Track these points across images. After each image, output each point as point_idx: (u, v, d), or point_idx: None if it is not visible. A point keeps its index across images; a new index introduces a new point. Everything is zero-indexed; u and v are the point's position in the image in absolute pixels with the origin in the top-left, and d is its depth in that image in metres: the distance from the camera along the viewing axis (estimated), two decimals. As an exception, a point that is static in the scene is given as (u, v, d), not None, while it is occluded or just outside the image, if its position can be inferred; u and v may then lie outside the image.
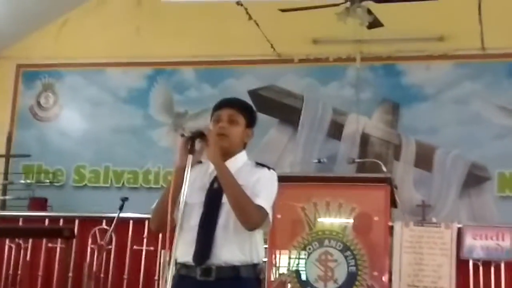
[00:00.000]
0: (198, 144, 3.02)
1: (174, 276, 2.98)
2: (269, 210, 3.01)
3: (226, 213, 2.99)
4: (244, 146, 3.19)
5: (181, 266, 3.01)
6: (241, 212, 2.94)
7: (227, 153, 3.10)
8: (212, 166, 3.11)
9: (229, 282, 2.94)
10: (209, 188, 3.06)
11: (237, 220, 2.96)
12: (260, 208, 2.97)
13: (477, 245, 5.52)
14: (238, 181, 2.99)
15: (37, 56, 9.43)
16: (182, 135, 3.03)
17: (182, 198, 2.91)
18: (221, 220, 2.99)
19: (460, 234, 5.55)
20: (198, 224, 3.00)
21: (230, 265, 2.95)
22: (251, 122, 3.20)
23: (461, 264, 5.52)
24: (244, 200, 2.95)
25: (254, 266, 3.03)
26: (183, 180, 2.93)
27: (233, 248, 2.98)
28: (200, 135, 3.02)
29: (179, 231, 2.97)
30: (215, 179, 3.06)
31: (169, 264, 2.87)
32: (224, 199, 3.00)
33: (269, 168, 3.14)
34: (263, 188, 3.03)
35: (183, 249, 2.98)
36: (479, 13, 7.44)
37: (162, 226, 2.94)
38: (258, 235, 3.09)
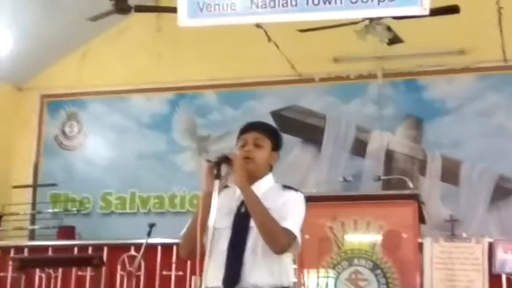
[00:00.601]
0: (224, 169, 3.04)
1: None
2: (297, 233, 3.00)
3: (255, 237, 2.99)
4: (270, 169, 3.21)
5: None
6: (268, 236, 2.95)
7: (254, 177, 3.12)
8: (238, 190, 3.12)
9: None
10: (236, 213, 3.08)
11: (265, 244, 2.96)
12: (288, 231, 2.97)
13: (509, 259, 5.46)
14: (265, 204, 3.00)
15: (60, 86, 9.55)
16: (208, 161, 3.06)
17: (211, 223, 2.92)
18: (250, 244, 2.99)
19: (491, 248, 5.50)
20: (227, 249, 3.00)
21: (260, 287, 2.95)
22: (277, 145, 3.22)
23: (494, 279, 5.47)
24: (271, 224, 2.96)
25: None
26: (210, 206, 2.94)
27: (262, 271, 2.98)
28: (225, 159, 3.04)
29: (208, 257, 2.98)
30: (242, 203, 3.08)
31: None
32: (252, 223, 3.01)
33: (296, 190, 3.15)
34: (290, 211, 3.04)
35: (213, 274, 2.98)
36: (500, 25, 7.40)
37: (192, 253, 2.96)
38: (287, 258, 3.09)
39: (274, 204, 3.03)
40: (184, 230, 3.14)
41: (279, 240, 2.96)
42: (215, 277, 2.98)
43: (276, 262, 3.02)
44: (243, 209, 3.06)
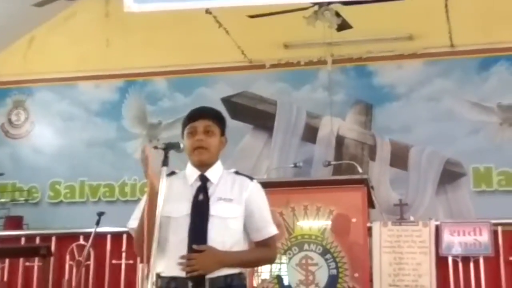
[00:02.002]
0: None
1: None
2: (275, 227, 3.15)
3: (218, 227, 2.99)
4: (218, 154, 3.20)
5: (170, 279, 2.97)
6: (267, 263, 3.44)
7: (207, 165, 3.11)
8: (192, 178, 3.10)
9: None
10: (193, 201, 3.04)
11: (232, 235, 3.00)
12: (275, 237, 3.14)
13: (455, 241, 5.55)
14: (225, 193, 3.04)
15: (6, 73, 9.34)
16: (155, 147, 3.02)
17: (158, 211, 2.88)
18: (212, 234, 2.97)
19: (438, 231, 5.57)
20: (187, 237, 2.97)
21: (222, 275, 2.95)
22: (224, 130, 3.21)
23: (441, 261, 5.54)
24: (261, 260, 3.22)
25: (241, 274, 3.06)
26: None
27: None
28: (173, 146, 3.01)
29: (162, 245, 2.95)
30: (199, 190, 3.06)
31: (147, 277, 2.84)
32: (213, 211, 3.01)
33: (251, 178, 3.17)
34: (266, 211, 3.14)
35: (172, 263, 2.96)
36: (446, 11, 7.51)
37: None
38: (246, 247, 3.10)
39: (233, 193, 3.06)
40: (132, 221, 3.09)
41: (273, 257, 3.24)
42: (175, 266, 2.94)
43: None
44: (200, 197, 3.04)
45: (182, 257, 2.91)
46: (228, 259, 2.97)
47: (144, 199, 2.99)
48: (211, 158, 3.11)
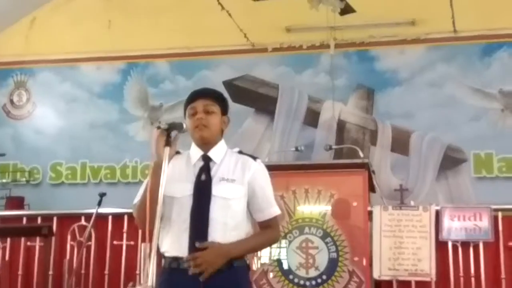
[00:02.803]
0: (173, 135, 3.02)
1: (163, 270, 2.98)
2: (278, 208, 3.19)
3: (220, 208, 3.00)
4: (222, 134, 3.20)
5: (171, 259, 3.01)
6: (270, 244, 3.47)
7: (209, 143, 3.13)
8: (195, 158, 3.12)
9: (223, 272, 2.95)
10: (196, 181, 3.06)
11: (234, 216, 3.02)
12: (278, 217, 3.16)
13: (456, 226, 5.57)
14: (227, 173, 3.05)
15: (8, 54, 9.32)
16: (158, 127, 3.03)
17: (161, 190, 2.89)
18: (215, 214, 2.99)
19: (438, 216, 5.59)
20: (189, 217, 2.99)
21: None
22: (225, 109, 3.23)
23: (441, 246, 5.57)
24: (265, 243, 3.24)
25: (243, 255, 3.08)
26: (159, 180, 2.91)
27: (230, 241, 3.00)
28: (176, 126, 3.01)
29: (166, 224, 2.97)
30: (202, 170, 3.07)
31: (149, 256, 2.86)
32: (215, 191, 3.02)
33: (254, 158, 3.17)
34: (268, 191, 3.15)
35: (174, 243, 2.99)
36: (450, -4, 7.48)
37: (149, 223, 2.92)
38: (249, 228, 3.12)
39: (235, 172, 3.07)
40: (137, 199, 3.11)
41: (277, 238, 3.27)
42: (177, 246, 2.98)
43: (244, 233, 3.07)
44: (203, 177, 3.06)
45: (188, 258, 2.91)
46: (232, 251, 2.98)
47: (147, 179, 3.00)
48: (212, 136, 3.12)
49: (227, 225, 2.99)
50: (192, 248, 2.96)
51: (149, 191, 2.87)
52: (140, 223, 3.02)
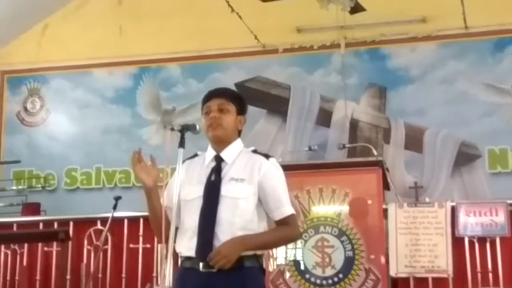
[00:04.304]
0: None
1: (178, 269, 3.03)
2: (292, 208, 3.15)
3: (228, 207, 3.00)
4: (239, 134, 3.21)
5: (185, 259, 3.05)
6: (289, 242, 3.55)
7: (223, 142, 3.13)
8: (208, 159, 3.13)
9: (232, 272, 2.94)
10: (206, 182, 3.07)
11: (242, 215, 3.00)
12: (293, 216, 3.12)
13: (472, 222, 5.55)
14: (237, 173, 3.05)
15: (21, 61, 9.39)
16: (172, 129, 3.05)
17: (175, 192, 2.92)
18: (222, 214, 2.99)
19: (454, 212, 5.58)
20: (198, 218, 3.01)
21: None
22: (242, 109, 3.21)
23: (457, 242, 5.56)
24: (282, 239, 3.19)
25: (257, 256, 3.06)
26: (154, 198, 3.06)
27: None
28: (189, 128, 3.03)
29: (181, 226, 3.00)
30: (212, 171, 3.09)
31: (166, 257, 2.88)
32: (223, 191, 3.02)
33: (267, 157, 3.15)
34: (282, 191, 3.11)
35: (186, 243, 3.02)
36: (460, -8, 7.46)
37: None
38: (263, 227, 3.10)
39: (246, 172, 3.06)
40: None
41: (295, 235, 3.24)
42: (188, 246, 3.00)
43: (253, 232, 3.04)
44: (213, 178, 3.07)
45: (209, 258, 2.92)
46: (247, 241, 2.96)
47: (168, 183, 3.03)
48: (226, 135, 3.12)
49: (234, 224, 2.98)
50: (199, 250, 2.98)
51: (149, 212, 3.08)
52: (156, 235, 3.13)
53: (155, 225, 3.05)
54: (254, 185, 3.06)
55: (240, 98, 3.24)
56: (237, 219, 2.99)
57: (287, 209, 3.11)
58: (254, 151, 3.19)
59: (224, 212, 2.99)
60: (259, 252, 3.08)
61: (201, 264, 2.96)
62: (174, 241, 2.93)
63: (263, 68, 8.82)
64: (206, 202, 3.02)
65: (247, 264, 3.00)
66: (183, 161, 3.07)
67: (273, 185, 3.09)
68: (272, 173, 3.11)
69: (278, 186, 3.11)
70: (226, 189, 3.03)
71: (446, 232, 5.51)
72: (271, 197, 3.07)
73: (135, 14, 8.99)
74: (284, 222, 3.11)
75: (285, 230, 3.12)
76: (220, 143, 3.13)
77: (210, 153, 3.16)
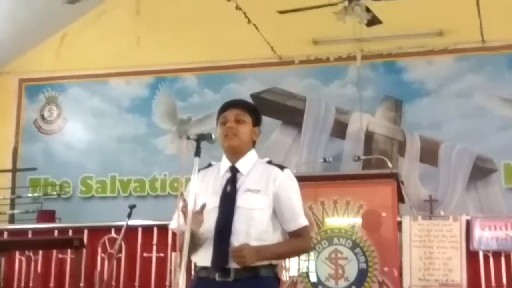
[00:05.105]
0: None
1: (193, 278, 3.02)
2: (306, 219, 3.14)
3: (244, 218, 3.00)
4: (253, 144, 3.22)
5: (200, 268, 3.05)
6: (302, 253, 3.51)
7: (238, 152, 3.14)
8: (223, 169, 3.14)
9: (248, 281, 2.96)
10: (222, 193, 3.07)
11: (257, 226, 3.01)
12: (307, 228, 3.12)
13: (487, 236, 5.52)
14: (253, 184, 3.05)
15: (39, 70, 9.49)
16: (188, 138, 3.06)
17: (190, 202, 2.93)
18: (238, 225, 3.00)
19: (468, 226, 5.55)
20: (214, 229, 3.01)
21: (249, 267, 2.95)
22: (257, 120, 3.22)
23: (472, 256, 5.52)
24: (296, 250, 3.21)
25: (272, 266, 3.07)
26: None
27: None
28: (205, 137, 3.04)
29: (199, 236, 3.00)
30: (228, 182, 3.09)
31: (180, 266, 2.89)
32: (239, 203, 3.03)
33: (282, 168, 3.15)
34: (296, 202, 3.11)
35: (202, 254, 3.02)
36: (478, 6, 7.44)
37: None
38: (277, 238, 3.10)
39: (261, 184, 3.06)
40: (173, 223, 3.14)
41: (307, 247, 3.28)
42: (205, 257, 3.01)
43: (268, 243, 3.04)
44: (228, 189, 3.07)
45: (235, 249, 2.92)
46: (262, 251, 2.97)
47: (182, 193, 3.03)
48: (241, 145, 3.13)
49: (250, 235, 2.98)
50: (215, 261, 2.98)
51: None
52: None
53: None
54: (269, 196, 3.06)
55: (256, 109, 3.26)
56: (252, 230, 3.00)
57: (302, 221, 3.11)
58: (269, 162, 3.20)
59: (239, 223, 3.00)
60: (274, 262, 3.08)
61: (217, 274, 2.97)
62: (190, 251, 2.94)
63: (279, 80, 8.85)
64: (222, 213, 3.02)
65: (263, 274, 3.00)
66: (198, 171, 3.07)
67: (288, 196, 3.10)
68: (287, 184, 3.12)
69: (293, 197, 3.11)
70: (242, 200, 3.04)
71: (461, 246, 5.48)
72: (286, 208, 3.08)
73: (153, 24, 9.05)
74: (298, 233, 3.11)
75: (299, 242, 3.13)
76: (235, 153, 3.14)
77: (225, 163, 3.17)
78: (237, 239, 2.97)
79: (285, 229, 3.11)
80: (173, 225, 3.15)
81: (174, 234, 2.98)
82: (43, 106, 9.60)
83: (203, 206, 2.96)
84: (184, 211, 2.93)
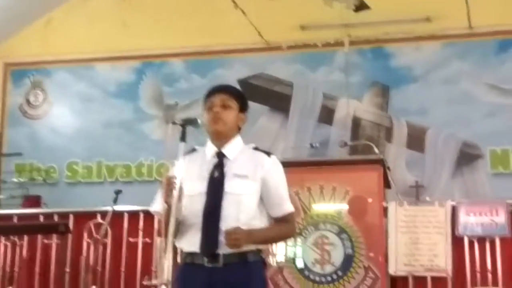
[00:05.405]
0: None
1: (179, 265, 3.03)
2: (292, 205, 3.19)
3: (233, 204, 3.02)
4: (238, 130, 3.21)
5: (186, 255, 3.05)
6: (286, 238, 3.66)
7: (224, 137, 3.14)
8: (209, 154, 3.13)
9: (237, 266, 2.98)
10: (210, 178, 3.07)
11: (246, 212, 3.02)
12: (292, 214, 3.18)
13: (472, 221, 5.53)
14: (240, 170, 3.06)
15: (24, 54, 9.39)
16: (173, 123, 3.05)
17: (177, 187, 2.92)
18: (227, 210, 3.01)
19: (454, 211, 5.57)
20: (202, 215, 3.01)
21: (237, 252, 2.98)
22: (243, 106, 3.23)
23: (457, 241, 5.54)
24: (281, 235, 3.26)
25: (259, 251, 3.10)
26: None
27: None
28: (191, 122, 3.03)
29: (183, 222, 2.99)
30: (215, 167, 3.09)
31: (165, 251, 2.87)
32: (227, 188, 3.04)
33: (268, 154, 3.17)
34: (283, 188, 3.15)
35: (189, 239, 3.02)
36: (465, -8, 7.45)
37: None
38: (264, 224, 3.12)
39: (249, 169, 3.08)
40: (155, 206, 3.15)
41: (293, 233, 3.42)
42: (192, 242, 3.01)
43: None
44: (216, 174, 3.08)
45: (228, 231, 2.92)
46: (254, 234, 3.00)
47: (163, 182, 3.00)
48: (226, 130, 3.12)
49: (239, 221, 2.99)
50: (204, 246, 2.98)
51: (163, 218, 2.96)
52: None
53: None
54: (257, 181, 3.08)
55: (243, 95, 3.26)
56: (241, 215, 3.01)
57: (288, 207, 3.15)
58: (255, 148, 3.21)
59: (228, 208, 3.01)
60: (261, 247, 3.11)
61: (205, 260, 2.98)
62: (175, 236, 2.93)
63: (266, 65, 8.82)
64: (210, 198, 3.03)
65: (251, 259, 3.03)
66: (180, 156, 3.05)
67: (276, 182, 3.12)
68: (274, 170, 3.14)
69: (280, 183, 3.14)
70: (230, 185, 3.04)
71: (446, 232, 5.50)
72: (273, 194, 3.10)
73: (139, 9, 8.98)
74: (284, 219, 3.14)
75: (285, 227, 3.16)
76: (220, 138, 3.13)
77: (211, 148, 3.16)
78: (225, 225, 2.97)
79: (271, 215, 3.13)
80: (155, 207, 3.14)
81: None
82: (29, 90, 9.52)
83: (181, 191, 2.93)
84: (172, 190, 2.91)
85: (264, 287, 3.14)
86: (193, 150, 3.20)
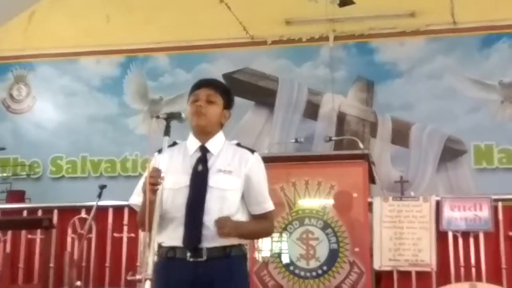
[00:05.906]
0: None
1: (159, 260, 2.96)
2: (272, 203, 3.19)
3: (217, 198, 3.00)
4: (221, 126, 3.19)
5: (168, 249, 3.01)
6: (265, 236, 3.64)
7: (206, 132, 3.11)
8: (191, 148, 3.11)
9: (219, 261, 2.98)
10: (193, 172, 3.05)
11: (230, 207, 3.01)
12: (272, 213, 3.18)
13: (456, 216, 5.56)
14: (224, 165, 3.05)
15: (7, 48, 9.31)
16: (157, 117, 3.03)
17: (161, 185, 2.89)
18: (211, 204, 2.99)
19: (438, 206, 5.59)
20: (185, 208, 2.99)
21: (221, 246, 2.98)
22: (228, 103, 3.20)
23: (441, 236, 5.56)
24: (260, 231, 3.23)
25: (241, 245, 3.09)
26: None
27: None
28: (175, 116, 3.01)
29: (164, 215, 2.97)
30: (199, 161, 3.07)
31: (149, 246, 2.85)
32: (211, 183, 3.02)
33: (252, 151, 3.17)
34: (264, 186, 3.15)
35: (170, 233, 2.99)
36: (449, -12, 7.48)
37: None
38: (245, 219, 3.12)
39: (232, 164, 3.07)
40: (133, 198, 3.13)
41: (272, 230, 3.34)
42: (174, 236, 2.98)
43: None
44: (200, 168, 3.05)
45: (220, 219, 2.92)
46: (240, 228, 3.01)
47: (145, 175, 2.97)
48: (209, 125, 3.10)
49: (222, 215, 2.98)
50: (187, 240, 2.96)
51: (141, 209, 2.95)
52: (141, 227, 3.12)
53: (142, 216, 2.93)
54: (241, 178, 3.07)
55: (229, 92, 3.23)
56: (225, 210, 3.00)
57: (269, 205, 3.16)
58: (238, 145, 3.19)
59: (212, 202, 2.99)
60: (243, 241, 3.10)
61: (188, 254, 2.96)
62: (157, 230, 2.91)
63: (251, 60, 8.81)
64: (194, 192, 3.00)
65: (234, 253, 3.03)
66: (164, 150, 3.02)
67: (258, 180, 3.12)
68: (257, 167, 3.14)
69: (262, 181, 3.14)
70: (214, 180, 3.03)
71: (430, 226, 5.52)
72: (255, 191, 3.10)
73: (123, 3, 8.94)
74: (264, 217, 3.14)
75: (265, 224, 3.18)
76: (202, 133, 3.11)
77: (193, 142, 3.13)
78: (209, 219, 2.96)
79: (251, 212, 3.13)
80: (134, 200, 3.13)
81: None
82: (12, 85, 9.46)
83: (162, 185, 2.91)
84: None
85: (246, 281, 3.13)
86: (174, 144, 3.17)
